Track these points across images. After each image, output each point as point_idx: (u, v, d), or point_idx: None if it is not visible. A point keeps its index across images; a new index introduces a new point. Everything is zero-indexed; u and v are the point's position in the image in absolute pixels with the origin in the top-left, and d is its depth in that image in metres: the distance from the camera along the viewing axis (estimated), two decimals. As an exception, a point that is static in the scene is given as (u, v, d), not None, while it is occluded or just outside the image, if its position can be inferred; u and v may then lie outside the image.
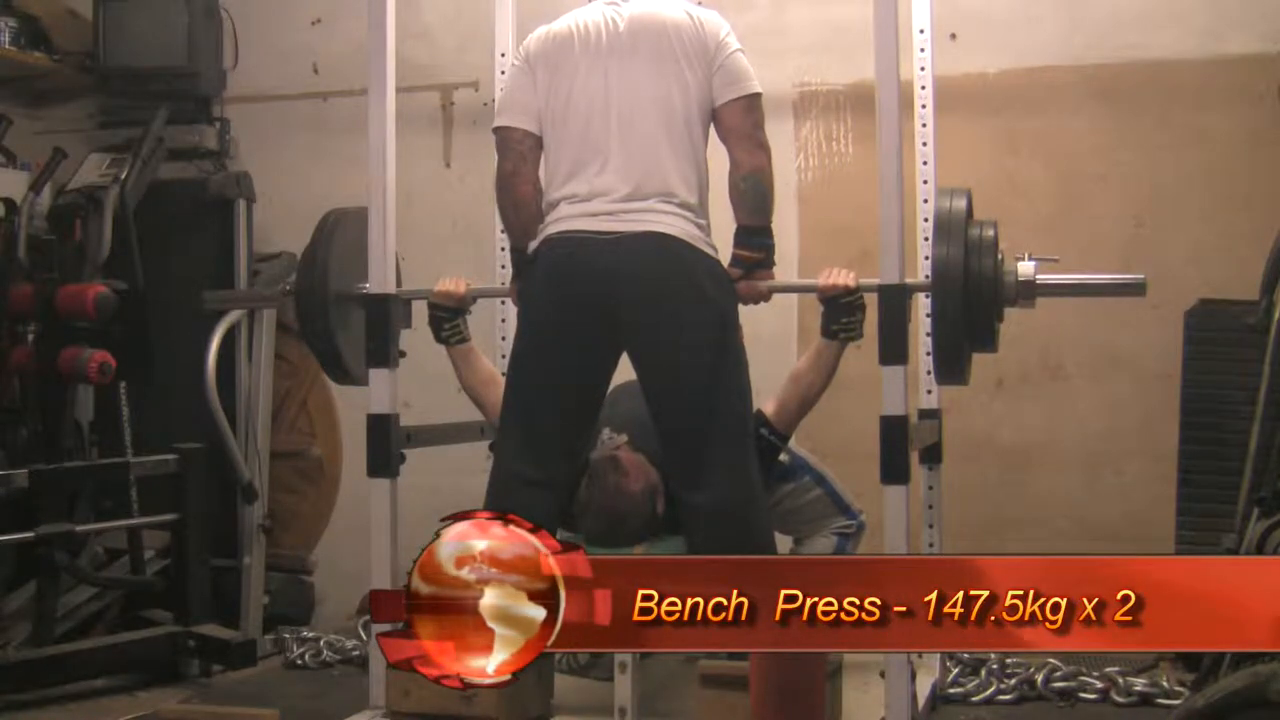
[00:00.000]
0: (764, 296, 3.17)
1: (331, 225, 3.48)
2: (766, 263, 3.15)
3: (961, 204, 3.08)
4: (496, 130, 3.20)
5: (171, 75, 4.85)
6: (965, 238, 3.02)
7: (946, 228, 3.04)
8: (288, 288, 3.55)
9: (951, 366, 3.13)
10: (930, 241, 3.18)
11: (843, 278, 3.18)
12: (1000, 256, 3.08)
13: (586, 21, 3.15)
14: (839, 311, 3.18)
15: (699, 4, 3.23)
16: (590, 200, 3.06)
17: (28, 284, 4.22)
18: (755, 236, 3.12)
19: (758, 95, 3.10)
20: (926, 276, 3.30)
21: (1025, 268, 3.07)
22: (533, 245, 3.14)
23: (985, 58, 4.34)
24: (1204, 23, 4.18)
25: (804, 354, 3.36)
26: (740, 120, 3.08)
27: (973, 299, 3.00)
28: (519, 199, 3.16)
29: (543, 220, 3.14)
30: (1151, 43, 4.21)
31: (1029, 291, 3.07)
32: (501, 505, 3.12)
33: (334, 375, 3.49)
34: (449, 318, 3.39)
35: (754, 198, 3.08)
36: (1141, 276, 3.17)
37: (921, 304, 3.45)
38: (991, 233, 3.06)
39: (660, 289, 3.01)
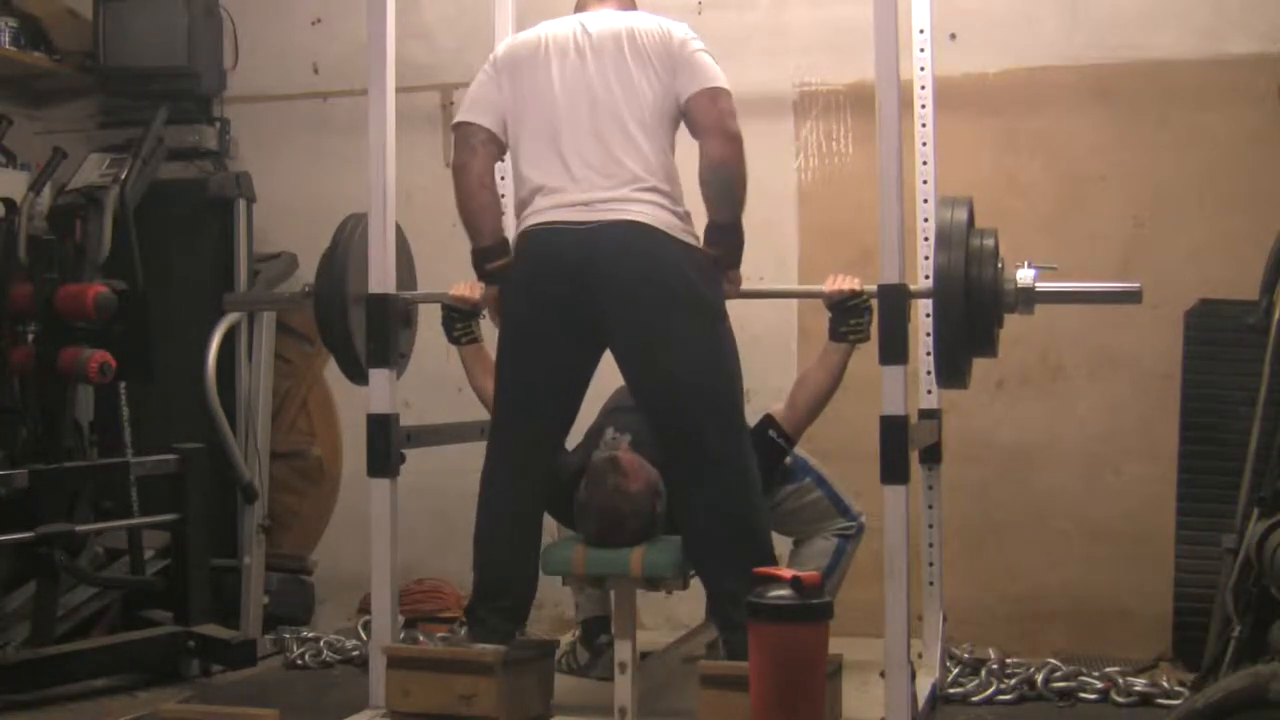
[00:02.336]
0: (730, 295, 3.17)
1: (350, 228, 3.51)
2: (728, 261, 3.12)
3: (963, 214, 3.12)
4: (454, 127, 3.23)
5: (171, 75, 4.85)
6: (966, 246, 3.06)
7: (948, 236, 3.08)
8: (308, 290, 3.57)
9: (953, 372, 3.18)
10: (932, 250, 3.21)
11: (847, 282, 3.21)
12: (1000, 264, 3.11)
13: (556, 30, 3.19)
14: (846, 314, 3.21)
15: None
16: (563, 191, 3.07)
17: (28, 284, 4.22)
18: (718, 232, 3.09)
19: (722, 88, 3.07)
20: (926, 277, 3.30)
21: (1025, 275, 3.12)
22: (514, 239, 3.16)
23: (985, 58, 4.34)
24: (1204, 23, 4.18)
25: (813, 357, 3.37)
26: (706, 110, 3.06)
27: (974, 306, 3.05)
28: (465, 191, 3.17)
29: (489, 213, 3.17)
30: (1151, 43, 4.21)
31: (1028, 298, 3.12)
32: (490, 499, 3.16)
33: (353, 376, 3.50)
34: (462, 319, 3.44)
35: (718, 190, 3.06)
36: (1138, 285, 3.20)
37: (921, 307, 3.46)
38: (991, 242, 3.10)
39: (638, 281, 3.01)
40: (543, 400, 3.14)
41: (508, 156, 3.24)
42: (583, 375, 3.19)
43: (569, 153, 3.07)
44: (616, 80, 3.08)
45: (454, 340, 3.46)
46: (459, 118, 3.23)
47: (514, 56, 3.20)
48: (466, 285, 3.43)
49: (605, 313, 3.03)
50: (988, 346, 3.17)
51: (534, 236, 3.09)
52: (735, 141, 3.06)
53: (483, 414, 3.49)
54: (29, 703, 3.71)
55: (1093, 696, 3.65)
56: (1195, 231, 4.17)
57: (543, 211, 3.08)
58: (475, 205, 3.16)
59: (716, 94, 3.07)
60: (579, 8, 3.28)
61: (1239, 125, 4.14)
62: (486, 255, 3.18)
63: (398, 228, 3.45)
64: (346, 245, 3.49)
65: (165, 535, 4.23)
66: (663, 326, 3.02)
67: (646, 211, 3.02)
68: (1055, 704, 3.64)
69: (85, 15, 4.93)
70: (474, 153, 3.17)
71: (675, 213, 3.06)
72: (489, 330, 3.44)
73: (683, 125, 3.14)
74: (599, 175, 3.04)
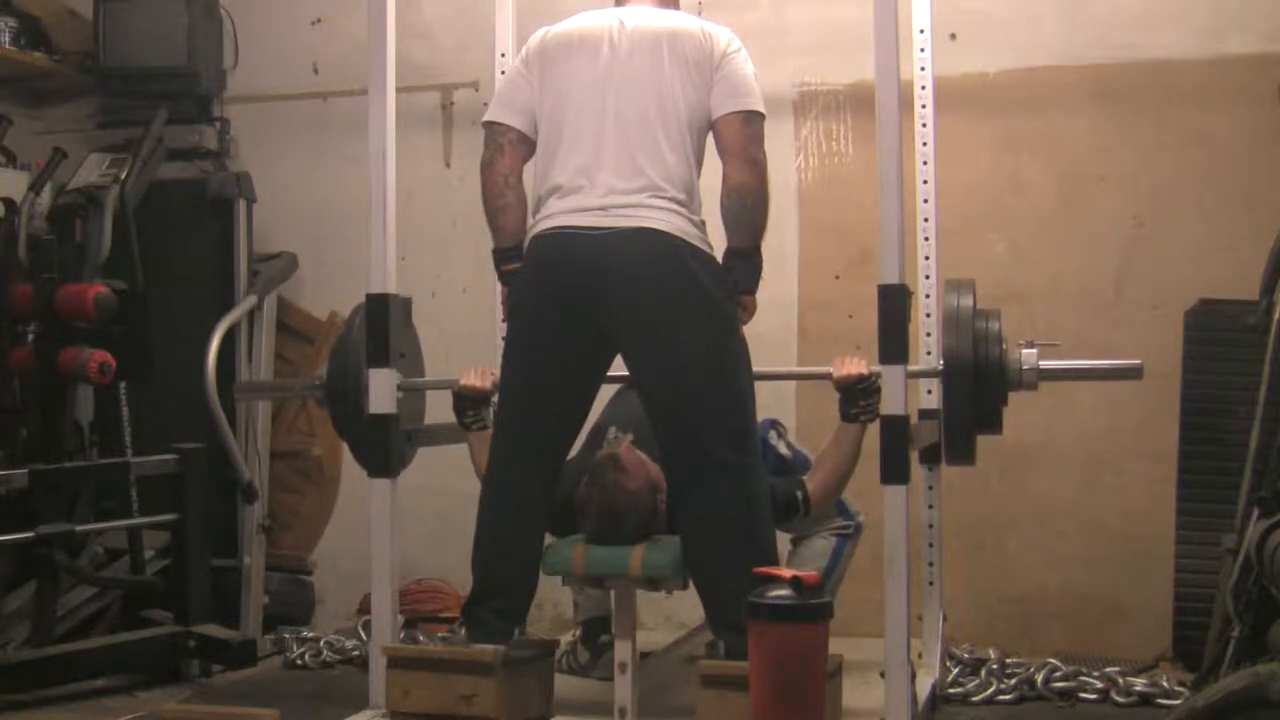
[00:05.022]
0: (742, 321, 3.16)
1: (363, 316, 3.46)
2: (743, 286, 3.11)
3: (969, 299, 3.25)
4: (484, 125, 3.21)
5: (171, 75, 4.85)
6: (973, 330, 3.20)
7: (955, 320, 3.21)
8: (320, 380, 3.57)
9: (962, 450, 3.33)
10: (937, 333, 3.38)
11: (855, 367, 3.19)
12: (1004, 345, 3.23)
13: (591, 24, 3.15)
14: (855, 396, 3.19)
15: (699, 13, 3.22)
16: (578, 195, 3.04)
17: (28, 284, 4.22)
18: (735, 258, 3.09)
19: (756, 113, 3.06)
20: (929, 353, 3.47)
21: (1028, 355, 3.25)
22: (526, 243, 3.14)
23: (985, 58, 4.34)
24: (1204, 23, 4.18)
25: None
26: (734, 135, 3.05)
27: (982, 387, 3.20)
28: (489, 190, 3.16)
29: (512, 213, 3.15)
30: (1151, 43, 4.21)
31: (1032, 377, 3.26)
32: (492, 499, 3.15)
33: (370, 468, 3.41)
34: (473, 406, 3.39)
35: (734, 216, 3.05)
36: (1139, 362, 3.31)
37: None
38: (996, 325, 3.24)
39: (653, 287, 2.99)
40: (548, 403, 3.13)
41: None
42: (590, 379, 3.18)
43: (591, 154, 3.05)
44: (650, 83, 3.05)
45: (464, 426, 3.40)
46: (488, 116, 3.21)
47: (546, 49, 3.16)
48: (476, 374, 3.39)
49: (615, 315, 3.02)
50: (994, 424, 3.30)
51: (545, 240, 3.07)
52: (758, 168, 3.04)
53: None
54: (29, 703, 3.71)
55: (1093, 696, 3.64)
56: (1195, 231, 4.17)
57: (556, 215, 3.06)
58: (499, 204, 3.15)
59: (749, 118, 3.05)
60: (618, 1, 3.24)
61: (1239, 125, 4.14)
62: (506, 255, 3.17)
63: (409, 312, 3.44)
64: (358, 336, 3.45)
65: (165, 535, 4.23)
66: (673, 329, 3.00)
67: (662, 218, 3.00)
68: (1055, 704, 3.64)
69: (85, 15, 4.93)
70: (501, 151, 3.15)
71: (692, 221, 3.04)
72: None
73: None
74: (618, 179, 3.02)
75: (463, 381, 3.38)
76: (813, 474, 3.31)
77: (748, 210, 3.04)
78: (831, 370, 3.22)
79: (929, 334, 3.54)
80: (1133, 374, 3.31)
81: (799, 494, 3.25)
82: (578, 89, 3.10)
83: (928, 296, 3.58)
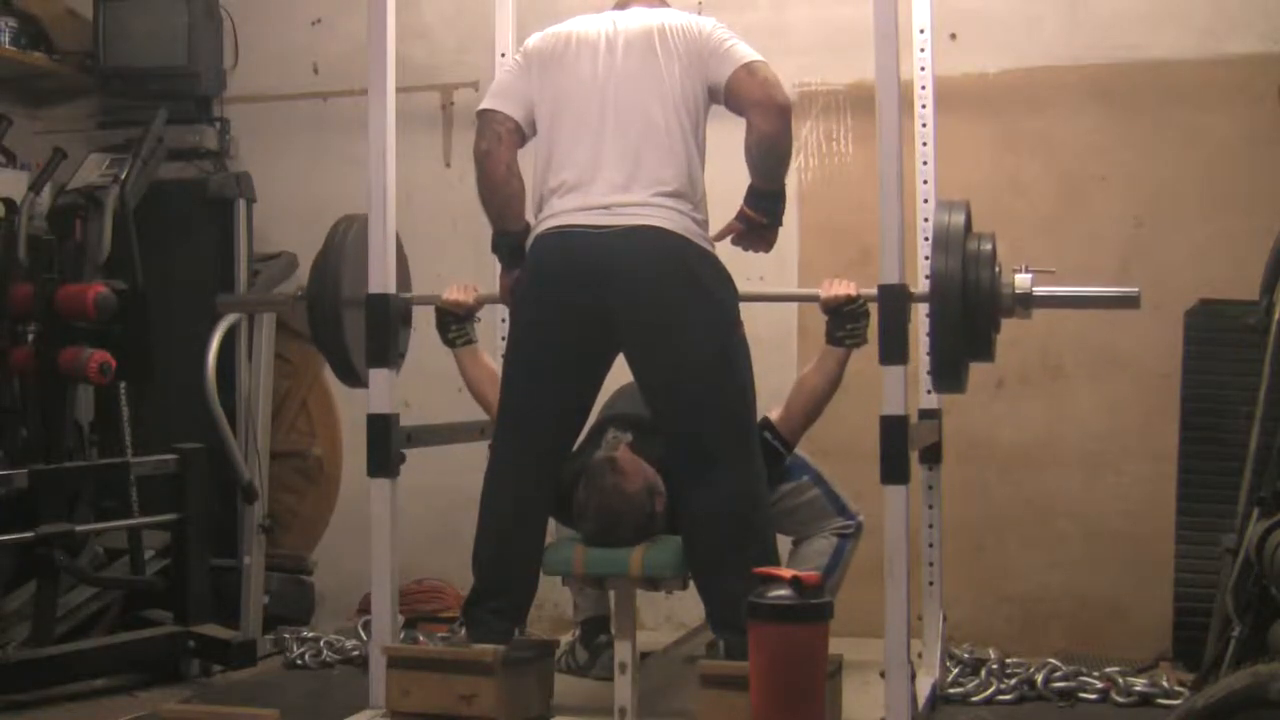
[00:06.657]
0: (760, 249, 3.20)
1: (343, 231, 3.50)
2: (770, 225, 3.15)
3: (960, 218, 3.11)
4: (479, 114, 3.21)
5: (171, 75, 4.85)
6: (963, 250, 3.06)
7: (945, 240, 3.07)
8: (300, 293, 3.56)
9: (950, 377, 3.18)
10: (929, 254, 3.21)
11: (843, 287, 3.19)
12: (998, 269, 3.11)
13: (586, 27, 3.17)
14: (843, 319, 3.20)
15: (699, 10, 3.23)
16: (581, 193, 3.05)
17: (28, 284, 4.22)
18: (763, 200, 3.11)
19: (758, 61, 3.06)
20: (926, 277, 3.31)
21: (1022, 279, 3.12)
22: (529, 242, 3.15)
23: (985, 58, 4.34)
24: (1204, 23, 4.18)
25: (813, 356, 3.35)
26: (748, 85, 3.04)
27: (971, 310, 3.04)
28: (493, 179, 3.15)
29: (518, 201, 3.16)
30: (1151, 43, 4.22)
31: (1026, 302, 3.13)
32: (494, 499, 3.15)
33: (346, 379, 3.51)
34: (456, 322, 3.43)
35: (763, 163, 3.06)
36: (1136, 290, 3.21)
37: (921, 308, 3.44)
38: (989, 246, 3.10)
39: (656, 285, 3.00)
40: (550, 402, 3.13)
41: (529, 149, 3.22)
42: (592, 379, 3.18)
43: (592, 152, 3.06)
44: (646, 77, 3.07)
45: (449, 343, 3.44)
46: (484, 105, 3.21)
47: (543, 50, 3.18)
48: (459, 289, 3.42)
49: (617, 314, 3.02)
50: (985, 351, 3.18)
51: (548, 239, 3.08)
52: (784, 113, 3.04)
53: (482, 414, 3.49)
54: (29, 703, 3.71)
55: (1093, 696, 3.65)
56: (1195, 231, 4.17)
57: (558, 214, 3.07)
58: (507, 192, 3.15)
59: (753, 67, 3.05)
60: (616, 5, 3.25)
61: (1239, 125, 4.14)
62: (516, 240, 3.17)
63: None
64: (340, 248, 3.47)
65: (165, 535, 4.23)
66: (674, 328, 3.01)
67: (664, 216, 3.01)
68: (1055, 704, 3.64)
69: (85, 15, 4.94)
70: (500, 140, 3.15)
71: (694, 219, 3.05)
72: (483, 330, 3.45)
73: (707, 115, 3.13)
74: (620, 176, 3.03)
75: (445, 296, 3.42)
76: (788, 399, 3.30)
77: (778, 158, 3.07)
78: (820, 292, 3.22)
79: (928, 333, 3.52)
80: (1130, 302, 3.21)
81: (766, 434, 3.22)
82: (576, 90, 3.11)
83: (927, 296, 3.58)
